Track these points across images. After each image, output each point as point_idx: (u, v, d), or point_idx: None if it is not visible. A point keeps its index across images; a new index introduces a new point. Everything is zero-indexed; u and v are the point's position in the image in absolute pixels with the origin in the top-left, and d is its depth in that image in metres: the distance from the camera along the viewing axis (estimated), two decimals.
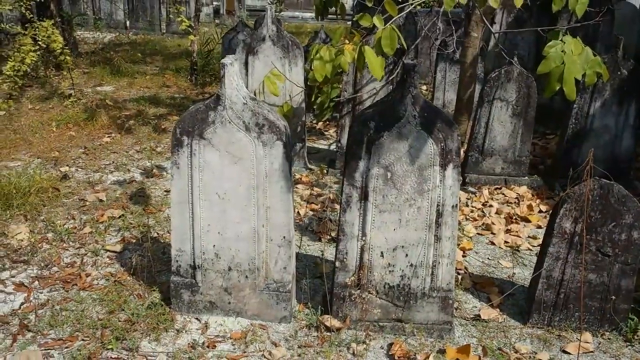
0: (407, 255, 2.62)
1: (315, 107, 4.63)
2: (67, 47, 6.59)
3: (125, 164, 4.57)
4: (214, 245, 2.65)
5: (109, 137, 5.14)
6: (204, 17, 13.90)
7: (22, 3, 7.12)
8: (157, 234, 3.49)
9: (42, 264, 3.11)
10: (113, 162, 4.62)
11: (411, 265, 2.63)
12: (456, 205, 2.55)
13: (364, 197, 2.54)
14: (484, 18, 4.21)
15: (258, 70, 4.47)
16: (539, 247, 3.56)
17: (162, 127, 5.52)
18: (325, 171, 4.63)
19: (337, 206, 4.07)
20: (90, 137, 5.12)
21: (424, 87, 7.49)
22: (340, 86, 4.57)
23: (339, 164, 4.75)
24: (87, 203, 3.83)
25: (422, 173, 2.49)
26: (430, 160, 2.46)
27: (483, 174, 4.62)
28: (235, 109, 2.44)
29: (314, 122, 5.75)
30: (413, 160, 2.47)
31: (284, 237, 2.63)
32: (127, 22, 12.88)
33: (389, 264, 2.64)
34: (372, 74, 3.34)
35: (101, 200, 3.88)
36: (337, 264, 2.67)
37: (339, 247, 2.65)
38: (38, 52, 6.33)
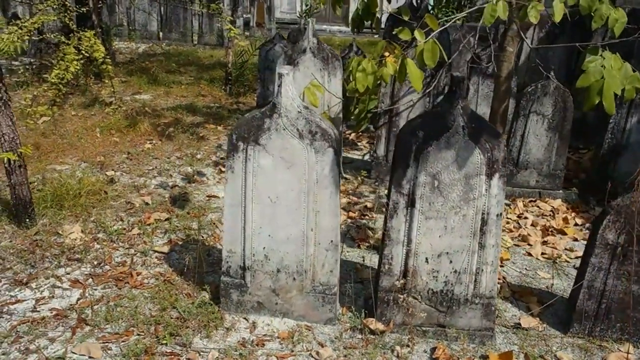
0: (451, 261, 2.69)
1: (352, 117, 4.74)
2: (108, 57, 6.84)
3: (167, 170, 4.72)
4: (264, 247, 2.75)
5: (150, 143, 5.31)
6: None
7: (66, 14, 7.41)
8: (202, 237, 3.61)
9: (95, 263, 3.25)
10: (155, 167, 4.77)
11: (455, 271, 2.70)
12: (500, 214, 2.62)
13: (411, 204, 2.63)
14: (522, 33, 4.28)
15: (298, 80, 4.59)
16: (576, 259, 3.60)
17: (200, 134, 5.68)
18: (362, 179, 4.72)
19: (374, 214, 4.15)
20: (132, 143, 5.30)
21: None
22: (378, 97, 4.67)
23: (374, 173, 4.84)
24: (134, 206, 3.98)
25: (469, 182, 2.56)
26: (477, 169, 2.54)
27: (517, 187, 4.66)
28: (290, 117, 2.55)
29: (348, 132, 5.86)
30: (460, 169, 2.55)
31: (332, 240, 2.72)
32: (160, 33, 13.21)
33: (434, 269, 2.71)
34: (413, 85, 3.43)
35: (147, 204, 4.02)
36: (382, 268, 2.75)
37: (384, 252, 2.73)
38: (81, 61, 6.58)
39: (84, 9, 7.42)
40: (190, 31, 12.98)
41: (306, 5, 15.15)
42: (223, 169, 4.82)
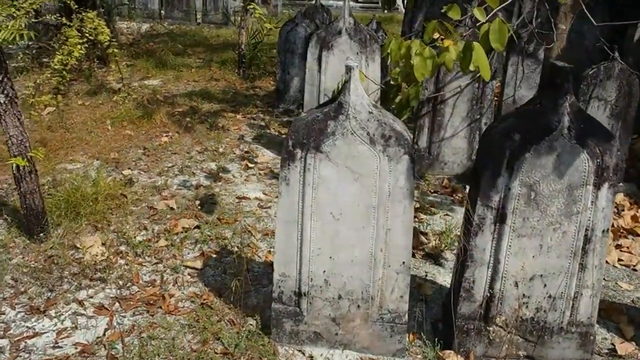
0: (545, 285, 2.29)
1: (393, 106, 4.31)
2: (113, 40, 6.34)
3: (188, 167, 4.29)
4: (324, 271, 2.35)
5: (166, 136, 4.87)
6: (238, 6, 13.59)
7: None
8: (237, 247, 3.21)
9: (120, 283, 2.85)
10: (175, 164, 4.35)
11: (549, 296, 2.30)
12: (607, 229, 2.21)
13: (500, 219, 2.21)
14: (585, 8, 3.82)
15: (332, 66, 4.15)
16: None
17: (220, 125, 5.23)
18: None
19: (423, 215, 3.74)
20: (147, 137, 4.86)
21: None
22: (421, 83, 4.22)
23: (416, 168, 4.42)
24: (157, 211, 3.57)
25: (572, 193, 2.15)
26: (583, 178, 2.12)
27: None
28: (360, 118, 2.12)
29: None
30: (562, 178, 2.13)
31: (403, 262, 2.32)
32: (162, 12, 12.62)
33: (524, 294, 2.31)
34: (481, 74, 3.00)
35: (172, 209, 3.60)
36: (462, 293, 2.35)
37: (465, 275, 2.32)
38: (85, 45, 6.10)
39: None
40: (193, 9, 12.37)
41: None
42: (250, 165, 4.39)
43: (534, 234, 2.22)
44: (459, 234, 3.45)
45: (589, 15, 3.79)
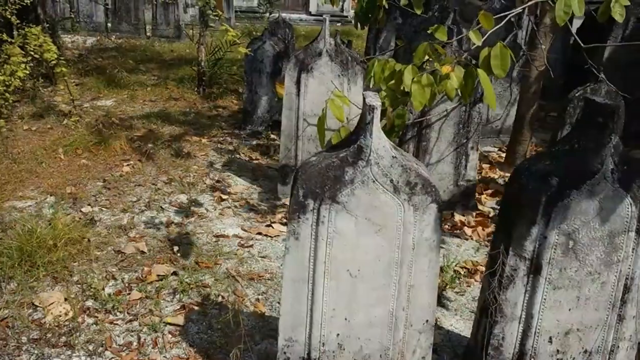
0: (581, 339, 2.08)
1: None
2: (61, 57, 5.83)
3: (156, 200, 3.90)
4: (338, 334, 2.05)
5: (128, 165, 4.44)
6: (189, 19, 13.15)
7: (6, 7, 6.33)
8: (222, 296, 2.87)
9: (90, 348, 2.46)
10: (141, 198, 3.94)
11: (585, 351, 2.10)
12: None
13: (535, 270, 1.99)
14: (569, 26, 3.72)
15: (312, 89, 3.88)
16: None
17: (185, 150, 4.85)
18: None
19: None
20: (106, 166, 4.42)
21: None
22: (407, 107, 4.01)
23: None
24: (126, 256, 3.17)
25: (613, 240, 1.95)
26: (625, 224, 1.93)
27: None
28: (382, 164, 1.85)
29: None
30: (603, 225, 1.93)
31: (427, 320, 2.06)
32: (109, 25, 12.01)
33: (558, 350, 2.10)
34: (487, 103, 2.81)
35: (142, 252, 3.22)
36: (491, 351, 2.11)
37: (494, 331, 2.09)
38: (30, 64, 5.58)
39: (28, 1, 6.35)
40: (143, 22, 11.82)
41: None
42: (223, 197, 4.04)
43: (571, 286, 2.01)
44: (458, 269, 3.25)
45: (576, 38, 3.68)
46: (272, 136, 5.40)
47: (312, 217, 1.91)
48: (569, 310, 2.04)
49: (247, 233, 3.55)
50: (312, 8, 15.77)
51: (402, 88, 3.21)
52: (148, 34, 11.80)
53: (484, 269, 2.84)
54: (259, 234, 3.54)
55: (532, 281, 2.01)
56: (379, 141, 1.84)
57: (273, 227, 3.62)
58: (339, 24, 15.11)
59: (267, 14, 13.95)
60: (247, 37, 9.94)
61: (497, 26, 3.87)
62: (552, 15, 4.41)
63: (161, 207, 3.83)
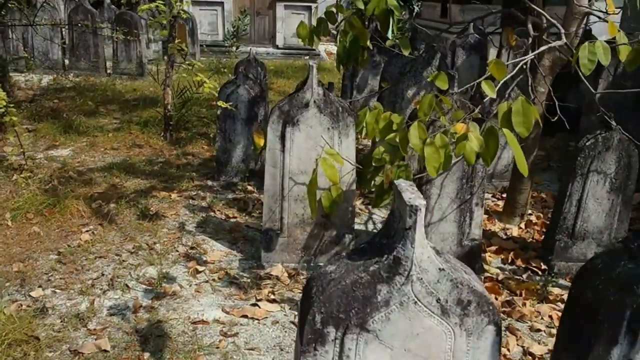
0: None
1: (373, 189, 3.65)
2: (11, 105, 5.24)
3: (120, 277, 3.35)
4: None
5: (87, 231, 3.88)
6: (152, 55, 12.66)
7: None
8: None
9: None
10: (103, 273, 3.39)
11: None
12: None
13: None
14: (581, 73, 3.41)
15: (298, 144, 3.44)
16: None
17: (153, 210, 4.32)
18: None
19: None
20: (61, 234, 3.84)
21: None
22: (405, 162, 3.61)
23: None
24: (84, 358, 2.61)
25: None
26: None
27: (573, 261, 3.78)
28: (427, 279, 1.41)
29: (362, 209, 4.68)
30: None
31: None
32: (66, 62, 11.38)
33: None
34: (519, 169, 2.44)
35: (105, 351, 2.67)
36: None
37: None
38: None
39: None
40: (103, 59, 11.23)
41: (233, 27, 13.90)
42: (199, 268, 3.52)
43: None
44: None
45: (585, 82, 3.38)
46: (249, 188, 4.92)
47: (333, 349, 1.45)
48: None
49: (230, 316, 3.03)
50: (279, 41, 15.45)
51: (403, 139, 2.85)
52: (109, 71, 11.22)
53: None
54: (244, 316, 3.03)
55: None
56: (422, 250, 1.40)
57: (259, 307, 3.12)
58: (307, 57, 14.85)
59: (234, 49, 13.57)
60: (214, 73, 9.52)
61: (512, 73, 3.50)
62: (550, 56, 4.13)
63: (127, 285, 3.29)
